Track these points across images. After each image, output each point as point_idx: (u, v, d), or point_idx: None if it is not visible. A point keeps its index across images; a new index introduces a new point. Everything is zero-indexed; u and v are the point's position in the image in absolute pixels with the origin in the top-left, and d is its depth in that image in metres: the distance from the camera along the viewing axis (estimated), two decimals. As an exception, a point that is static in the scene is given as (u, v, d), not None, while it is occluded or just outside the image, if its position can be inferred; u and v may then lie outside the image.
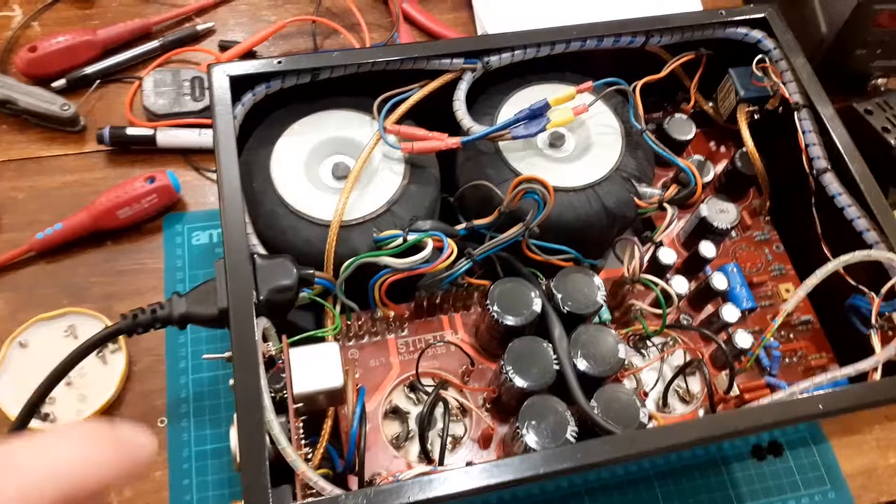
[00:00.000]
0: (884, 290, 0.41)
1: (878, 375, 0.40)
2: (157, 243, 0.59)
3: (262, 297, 0.38)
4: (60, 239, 0.57)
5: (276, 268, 0.39)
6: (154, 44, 0.67)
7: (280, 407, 0.36)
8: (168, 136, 0.62)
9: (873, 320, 0.42)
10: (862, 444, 0.56)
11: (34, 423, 0.49)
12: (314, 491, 0.33)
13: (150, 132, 0.62)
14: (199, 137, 0.62)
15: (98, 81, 0.65)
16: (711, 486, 0.52)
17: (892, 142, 0.61)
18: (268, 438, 0.34)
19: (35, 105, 0.62)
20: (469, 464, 0.40)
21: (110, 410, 0.52)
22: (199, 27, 0.69)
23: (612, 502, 0.51)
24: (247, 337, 0.36)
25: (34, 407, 0.40)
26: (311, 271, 0.40)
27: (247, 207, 0.42)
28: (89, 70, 0.65)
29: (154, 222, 0.60)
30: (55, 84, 0.64)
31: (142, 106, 0.63)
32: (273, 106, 0.46)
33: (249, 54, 0.68)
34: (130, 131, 0.62)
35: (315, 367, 0.37)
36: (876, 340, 0.41)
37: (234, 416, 0.34)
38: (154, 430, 0.52)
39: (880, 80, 0.70)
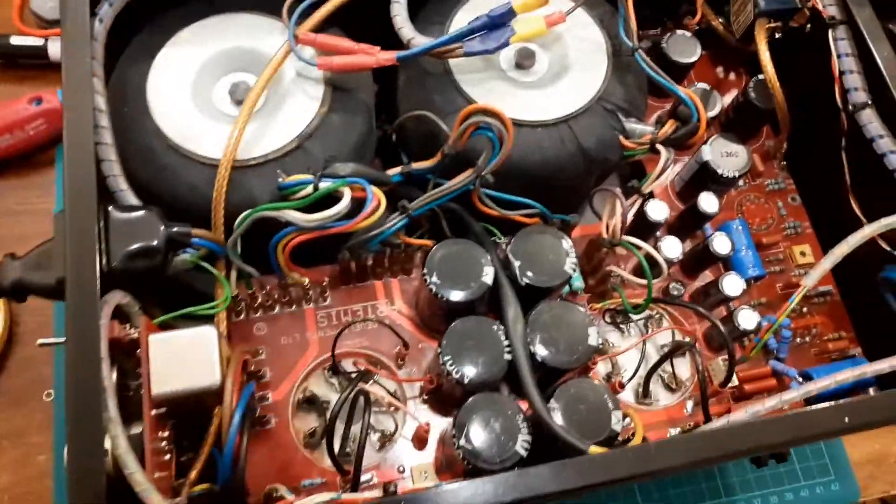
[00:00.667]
0: (932, 262, 0.32)
1: (918, 374, 0.31)
2: (49, 178, 0.50)
3: (114, 264, 0.28)
4: (-73, 171, 0.47)
5: (135, 224, 0.29)
6: (48, -68, 0.55)
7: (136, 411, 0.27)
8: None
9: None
10: (871, 431, 0.49)
11: None
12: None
13: (40, 42, 0.51)
14: (100, 49, 0.51)
15: (-21, -23, 0.53)
16: (699, 477, 0.44)
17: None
18: (110, 457, 0.25)
19: None
20: (387, 486, 0.32)
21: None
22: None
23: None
24: (86, 318, 0.26)
25: None
26: (187, 229, 0.30)
27: (115, 140, 0.32)
28: (-32, -37, 0.53)
29: (46, 154, 0.50)
30: (-74, -20, 0.52)
31: (29, 10, 0.52)
32: (158, 7, 0.35)
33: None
34: (16, 41, 0.51)
35: (183, 358, 0.28)
36: (917, 327, 0.32)
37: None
38: (39, 404, 0.43)
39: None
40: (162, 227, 0.29)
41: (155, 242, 0.29)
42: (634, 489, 0.44)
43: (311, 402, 0.35)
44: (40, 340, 0.30)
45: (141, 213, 0.29)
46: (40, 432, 0.43)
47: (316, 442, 0.34)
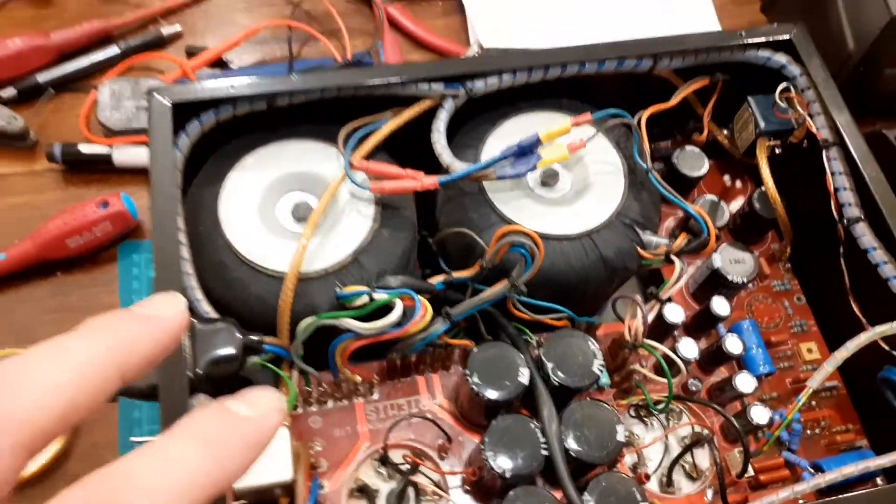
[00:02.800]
0: (926, 365, 0.36)
1: (919, 468, 0.34)
2: (112, 275, 0.54)
3: (199, 371, 0.32)
4: (4, 270, 0.51)
5: (216, 335, 0.33)
6: (114, 49, 0.61)
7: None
8: (125, 155, 0.56)
9: (912, 400, 0.36)
10: None
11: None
12: None
13: (105, 150, 0.56)
14: (159, 156, 0.56)
15: (51, 91, 0.59)
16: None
17: (925, 173, 0.55)
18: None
19: (-22, 118, 0.56)
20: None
21: (57, 465, 0.46)
22: (165, 31, 0.63)
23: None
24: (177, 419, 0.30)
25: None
26: (259, 338, 0.34)
27: (191, 256, 0.36)
28: (41, 78, 0.59)
29: (109, 251, 0.54)
30: (3, 93, 0.58)
31: (96, 120, 0.57)
32: (226, 135, 0.40)
33: (219, 62, 0.62)
34: (84, 149, 0.56)
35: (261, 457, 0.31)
36: (916, 425, 0.36)
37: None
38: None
39: (910, 101, 0.64)
40: (238, 336, 0.33)
41: (233, 350, 0.33)
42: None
43: (361, 491, 0.38)
44: (133, 438, 0.34)
45: (221, 324, 0.33)
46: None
47: (367, 530, 0.37)
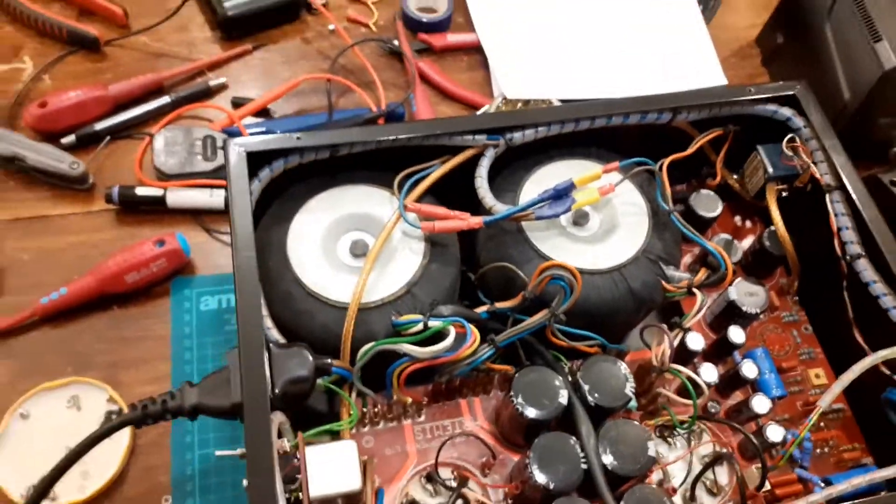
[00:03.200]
0: (924, 386, 0.40)
1: (921, 478, 0.38)
2: (165, 308, 0.58)
3: (277, 391, 0.36)
4: (65, 304, 0.55)
5: (291, 358, 0.37)
6: (165, 99, 0.66)
7: (294, 511, 0.34)
8: (178, 197, 0.61)
9: (913, 418, 0.40)
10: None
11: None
12: None
13: (159, 192, 0.60)
14: (210, 198, 0.61)
15: (108, 138, 0.64)
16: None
17: (918, 214, 0.60)
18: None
19: (44, 163, 0.60)
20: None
21: (114, 487, 0.50)
22: (212, 83, 0.68)
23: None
24: (262, 436, 0.34)
25: (40, 498, 0.38)
26: (328, 361, 0.38)
27: (262, 288, 0.40)
28: (99, 126, 0.64)
29: (162, 286, 0.58)
30: (64, 140, 0.63)
31: (152, 164, 0.62)
32: (291, 180, 0.45)
33: (263, 112, 0.67)
34: (140, 191, 0.60)
35: (332, 467, 0.35)
36: (917, 441, 0.39)
37: (247, 522, 0.32)
38: (158, 508, 0.50)
39: (902, 148, 0.69)
40: (311, 359, 0.37)
41: (306, 372, 0.37)
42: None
43: (412, 505, 0.41)
44: (218, 452, 0.37)
45: (294, 349, 0.37)
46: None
47: (418, 541, 0.41)
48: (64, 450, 0.48)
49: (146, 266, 0.56)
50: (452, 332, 0.39)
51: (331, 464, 0.35)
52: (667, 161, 0.46)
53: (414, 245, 0.44)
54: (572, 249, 0.44)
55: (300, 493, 0.34)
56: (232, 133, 0.64)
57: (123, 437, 0.51)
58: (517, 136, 0.45)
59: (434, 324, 0.39)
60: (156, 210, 0.61)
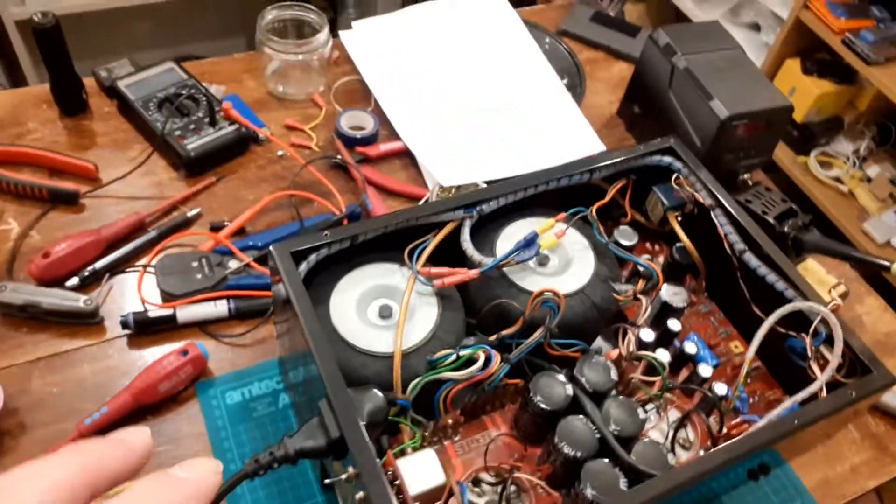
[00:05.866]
0: (811, 329, 0.55)
1: (824, 394, 0.53)
2: (195, 410, 0.65)
3: (364, 421, 0.46)
4: (106, 421, 0.62)
5: (367, 395, 0.47)
6: (152, 234, 0.76)
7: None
8: (187, 313, 0.69)
9: (809, 354, 0.55)
10: (813, 462, 0.70)
11: None
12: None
13: (170, 311, 0.69)
14: (214, 309, 0.70)
15: (108, 275, 0.72)
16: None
17: (772, 221, 0.79)
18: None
19: (59, 304, 0.67)
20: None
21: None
22: (188, 214, 0.78)
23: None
24: (367, 454, 0.44)
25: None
26: (393, 394, 0.49)
27: (320, 355, 0.51)
28: (98, 265, 0.72)
29: (187, 391, 0.66)
30: (68, 283, 0.70)
31: (158, 289, 0.70)
32: (319, 269, 0.56)
33: (240, 231, 0.78)
34: (153, 313, 0.68)
35: (420, 470, 0.45)
36: (816, 368, 0.55)
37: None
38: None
39: (746, 176, 0.89)
40: (382, 395, 0.48)
41: (382, 404, 0.47)
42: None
43: (469, 504, 0.52)
44: (327, 480, 0.46)
45: (368, 388, 0.48)
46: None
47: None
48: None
49: (175, 374, 0.64)
50: (482, 355, 0.51)
51: (419, 468, 0.45)
52: (594, 207, 0.62)
53: (428, 300, 0.55)
54: (544, 283, 0.58)
55: (401, 496, 0.44)
56: (222, 252, 0.74)
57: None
58: (486, 207, 0.59)
59: (464, 352, 0.51)
60: (164, 329, 0.69)
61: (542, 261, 0.60)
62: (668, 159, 0.66)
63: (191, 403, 0.66)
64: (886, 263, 0.72)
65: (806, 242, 0.79)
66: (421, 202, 0.82)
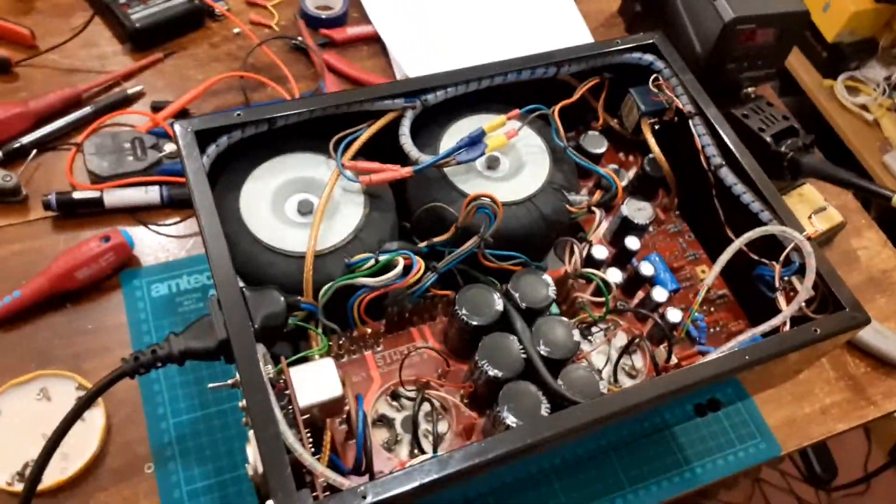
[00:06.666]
0: (782, 257, 0.49)
1: (787, 328, 0.47)
2: (118, 300, 0.61)
3: (256, 326, 0.41)
4: (20, 305, 0.58)
5: (264, 297, 0.42)
6: (87, 110, 0.69)
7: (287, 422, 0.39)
8: (115, 197, 0.64)
9: (777, 284, 0.49)
10: (780, 399, 0.65)
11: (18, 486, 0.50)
12: (328, 493, 0.37)
13: (97, 194, 0.64)
14: (145, 195, 0.65)
15: (34, 151, 0.66)
16: (661, 452, 0.59)
17: (768, 139, 0.71)
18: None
19: (-26, 179, 0.62)
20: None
21: (95, 464, 0.53)
22: (129, 91, 0.72)
23: (578, 482, 0.57)
24: (252, 361, 0.39)
25: (38, 476, 0.41)
26: (297, 297, 0.44)
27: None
28: (25, 140, 0.66)
29: (111, 280, 0.62)
30: (-9, 157, 0.65)
31: (86, 170, 0.65)
32: (235, 153, 0.50)
33: (182, 113, 0.71)
34: (77, 195, 0.63)
35: (315, 381, 0.40)
36: (782, 300, 0.49)
37: (250, 433, 0.38)
38: (142, 476, 0.53)
39: (750, 89, 0.81)
40: (282, 298, 0.43)
41: (279, 308, 0.42)
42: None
43: (381, 420, 0.47)
44: (211, 385, 0.42)
45: (266, 290, 0.43)
46: (147, 497, 0.53)
47: (391, 447, 0.46)
48: (41, 438, 0.51)
49: (95, 261, 0.60)
50: (401, 261, 0.45)
51: (313, 378, 0.41)
52: (557, 107, 0.55)
53: (355, 198, 0.50)
54: (489, 187, 0.52)
55: (290, 409, 0.40)
56: (158, 134, 0.68)
57: (98, 417, 0.54)
58: (430, 97, 0.52)
59: (384, 257, 0.45)
60: (92, 213, 0.64)
61: (492, 163, 0.54)
62: (648, 57, 0.58)
63: (114, 293, 0.62)
64: (888, 193, 0.65)
65: (804, 165, 0.71)
66: (386, 95, 0.75)
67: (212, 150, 0.48)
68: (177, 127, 0.47)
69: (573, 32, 0.84)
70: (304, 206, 0.49)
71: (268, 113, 0.48)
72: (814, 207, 0.75)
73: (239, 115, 0.48)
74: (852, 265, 0.76)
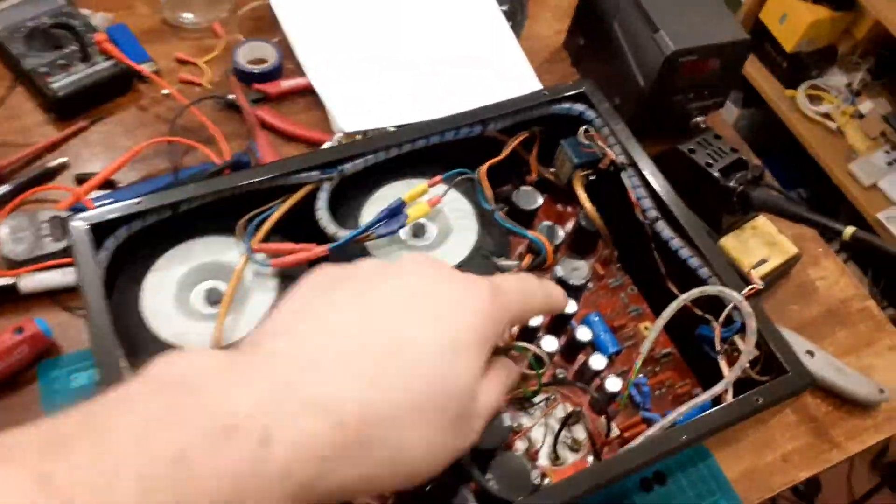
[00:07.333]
0: (721, 317, 0.47)
1: (730, 396, 0.44)
2: (35, 395, 0.58)
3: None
4: (-74, 405, 0.54)
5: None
6: (5, 188, 0.66)
7: None
8: (32, 282, 0.61)
9: (717, 346, 0.47)
10: (739, 450, 0.62)
11: None
12: None
13: (10, 281, 0.60)
14: (63, 277, 0.61)
15: (-52, 235, 0.63)
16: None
17: (716, 174, 0.69)
18: None
19: None
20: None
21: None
22: (52, 164, 0.69)
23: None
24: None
25: None
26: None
27: (123, 352, 0.42)
28: (-64, 224, 0.63)
29: (28, 373, 0.58)
30: None
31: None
32: (140, 243, 0.47)
33: (108, 183, 0.68)
34: (-10, 284, 0.60)
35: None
36: (723, 364, 0.46)
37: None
38: None
39: (699, 119, 0.79)
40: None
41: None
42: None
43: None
44: None
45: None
46: None
47: None
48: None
49: (8, 355, 0.56)
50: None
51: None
52: (484, 167, 0.52)
53: (268, 282, 0.47)
54: (414, 259, 0.49)
55: None
56: (79, 209, 0.65)
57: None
58: (348, 167, 0.50)
59: (295, 349, 0.42)
60: (8, 300, 0.61)
61: (417, 231, 0.51)
62: (578, 107, 0.56)
63: (31, 388, 0.58)
64: (839, 228, 0.63)
65: (754, 199, 0.69)
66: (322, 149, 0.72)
67: (110, 243, 0.45)
68: (72, 222, 0.44)
69: (517, 74, 0.82)
70: (212, 295, 0.46)
71: (170, 198, 0.46)
72: (767, 240, 0.73)
73: (139, 202, 0.45)
74: (810, 297, 0.74)
